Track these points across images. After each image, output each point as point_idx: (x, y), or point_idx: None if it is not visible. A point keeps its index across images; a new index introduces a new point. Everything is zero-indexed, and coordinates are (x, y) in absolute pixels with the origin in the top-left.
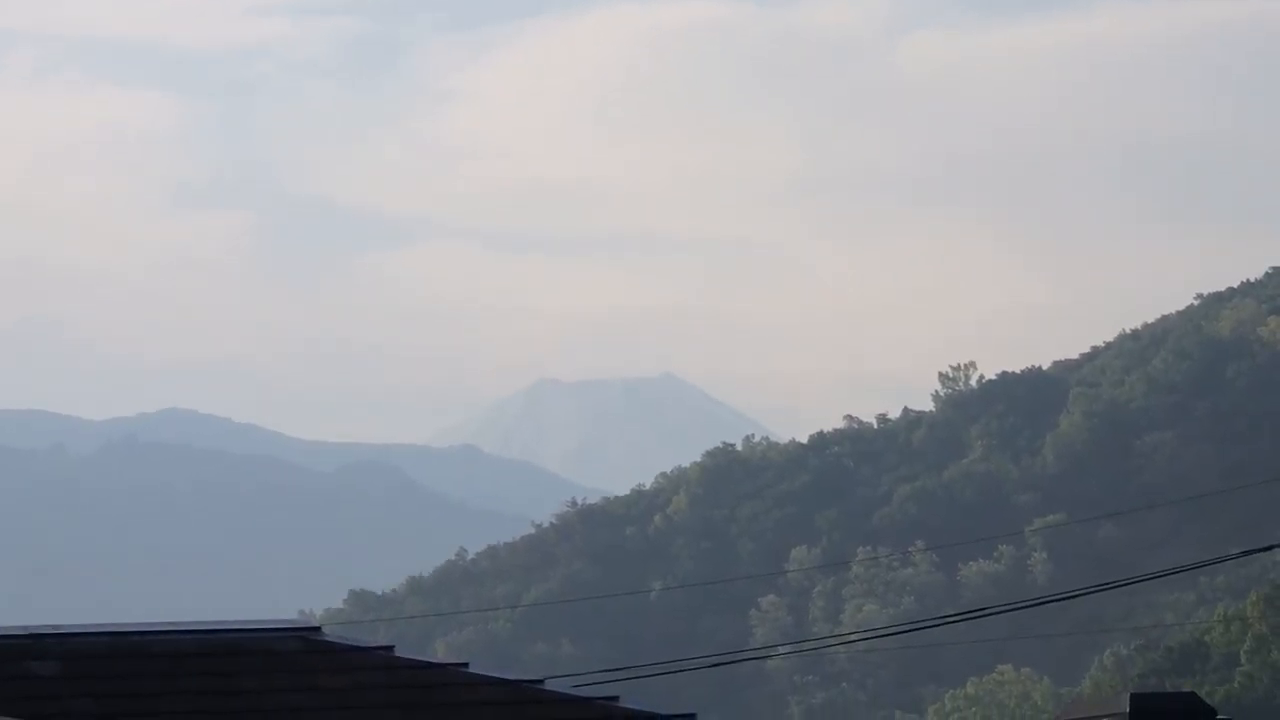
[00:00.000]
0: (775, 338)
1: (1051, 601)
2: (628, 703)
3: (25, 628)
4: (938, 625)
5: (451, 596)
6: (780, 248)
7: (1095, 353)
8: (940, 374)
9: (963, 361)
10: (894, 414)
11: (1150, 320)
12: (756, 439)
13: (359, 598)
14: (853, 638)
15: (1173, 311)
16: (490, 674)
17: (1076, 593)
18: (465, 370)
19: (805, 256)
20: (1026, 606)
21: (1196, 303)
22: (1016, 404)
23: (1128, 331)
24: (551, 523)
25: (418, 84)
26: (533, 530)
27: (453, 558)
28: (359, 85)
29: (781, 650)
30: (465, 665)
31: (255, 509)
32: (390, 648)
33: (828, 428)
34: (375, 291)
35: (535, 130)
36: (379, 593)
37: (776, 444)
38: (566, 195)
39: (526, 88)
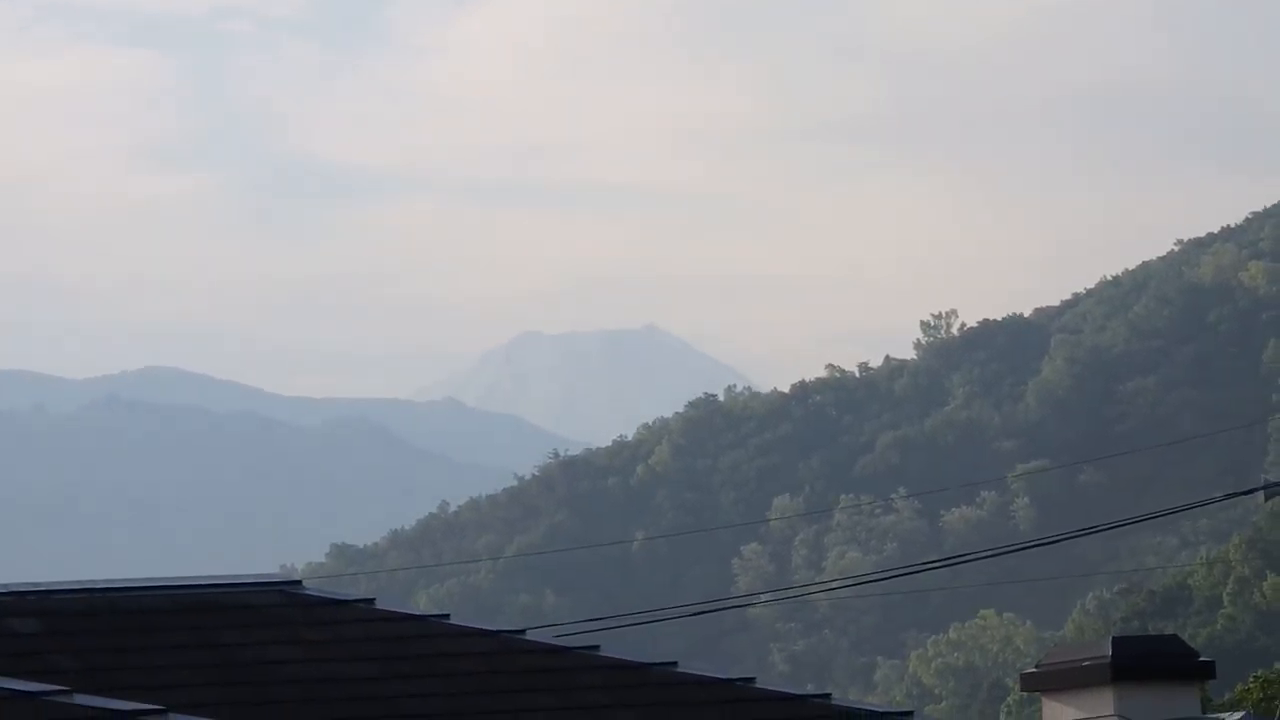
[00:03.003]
0: (758, 289)
1: (1034, 546)
2: (608, 651)
3: (4, 586)
4: (920, 571)
5: (433, 549)
6: (760, 199)
7: (1076, 299)
8: (922, 322)
9: (944, 310)
10: (876, 363)
11: (1131, 267)
12: (739, 389)
13: (341, 551)
14: (835, 585)
15: (1154, 258)
16: (472, 625)
17: (1059, 537)
18: (447, 324)
19: (785, 207)
20: (1009, 552)
21: (1177, 249)
22: (998, 351)
23: (1109, 278)
24: (534, 474)
25: (394, 39)
26: (515, 482)
27: (435, 510)
28: (335, 41)
29: (764, 598)
30: (446, 617)
31: (237, 465)
32: (371, 600)
33: (810, 377)
34: (355, 247)
35: (513, 83)
36: (361, 546)
37: (759, 394)
38: (546, 148)
39: (504, 41)
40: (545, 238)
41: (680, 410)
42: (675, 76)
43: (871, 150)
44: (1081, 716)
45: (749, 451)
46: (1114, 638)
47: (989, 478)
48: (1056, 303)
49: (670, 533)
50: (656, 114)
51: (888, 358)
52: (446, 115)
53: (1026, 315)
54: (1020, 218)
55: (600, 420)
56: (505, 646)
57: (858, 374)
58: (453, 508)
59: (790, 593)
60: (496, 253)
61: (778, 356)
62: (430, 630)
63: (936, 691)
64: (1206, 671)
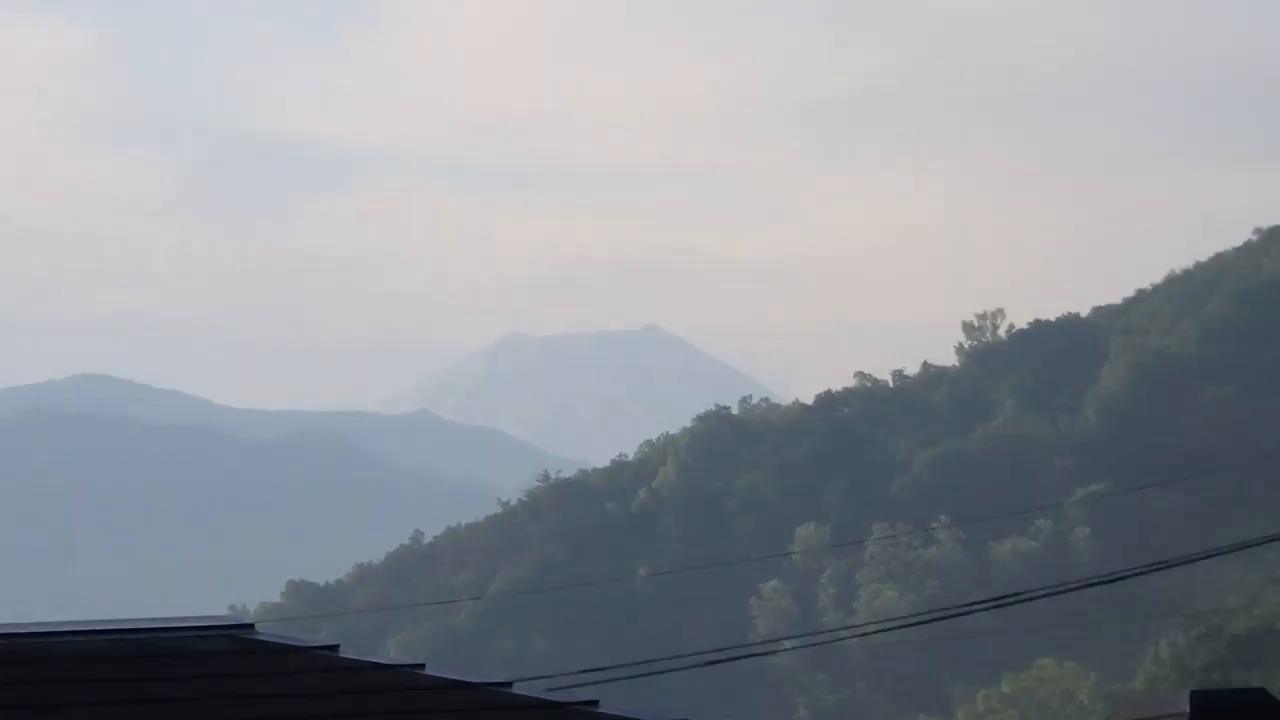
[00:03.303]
0: (774, 284)
1: (1097, 584)
2: (609, 707)
3: None
4: (967, 613)
5: (406, 586)
6: (777, 181)
7: (1141, 297)
8: (964, 323)
9: (989, 309)
10: (912, 370)
11: (1203, 259)
12: (755, 400)
13: (299, 589)
14: (869, 629)
15: (1229, 249)
16: (450, 676)
17: (1126, 574)
18: (420, 325)
19: (806, 191)
20: (1069, 590)
21: (1255, 238)
22: (1052, 357)
23: (1177, 272)
24: (521, 499)
25: (360, 5)
26: (499, 508)
27: (407, 541)
28: (296, 9)
29: (787, 644)
30: (421, 666)
31: (180, 487)
32: (335, 647)
33: (836, 386)
34: (316, 237)
35: (492, 53)
36: (322, 583)
37: (778, 406)
38: (532, 126)
39: (482, 6)
40: (533, 227)
41: (688, 424)
42: (673, 46)
43: (900, 129)
44: None
45: (767, 472)
46: (1192, 691)
47: (1044, 503)
48: (1118, 300)
49: (678, 567)
50: (658, 91)
51: (926, 364)
52: (417, 90)
53: (1084, 315)
54: (1075, 203)
55: (596, 436)
56: (489, 701)
57: (891, 383)
58: (428, 538)
59: (818, 638)
60: (478, 243)
61: (798, 362)
62: (403, 682)
63: None
64: None
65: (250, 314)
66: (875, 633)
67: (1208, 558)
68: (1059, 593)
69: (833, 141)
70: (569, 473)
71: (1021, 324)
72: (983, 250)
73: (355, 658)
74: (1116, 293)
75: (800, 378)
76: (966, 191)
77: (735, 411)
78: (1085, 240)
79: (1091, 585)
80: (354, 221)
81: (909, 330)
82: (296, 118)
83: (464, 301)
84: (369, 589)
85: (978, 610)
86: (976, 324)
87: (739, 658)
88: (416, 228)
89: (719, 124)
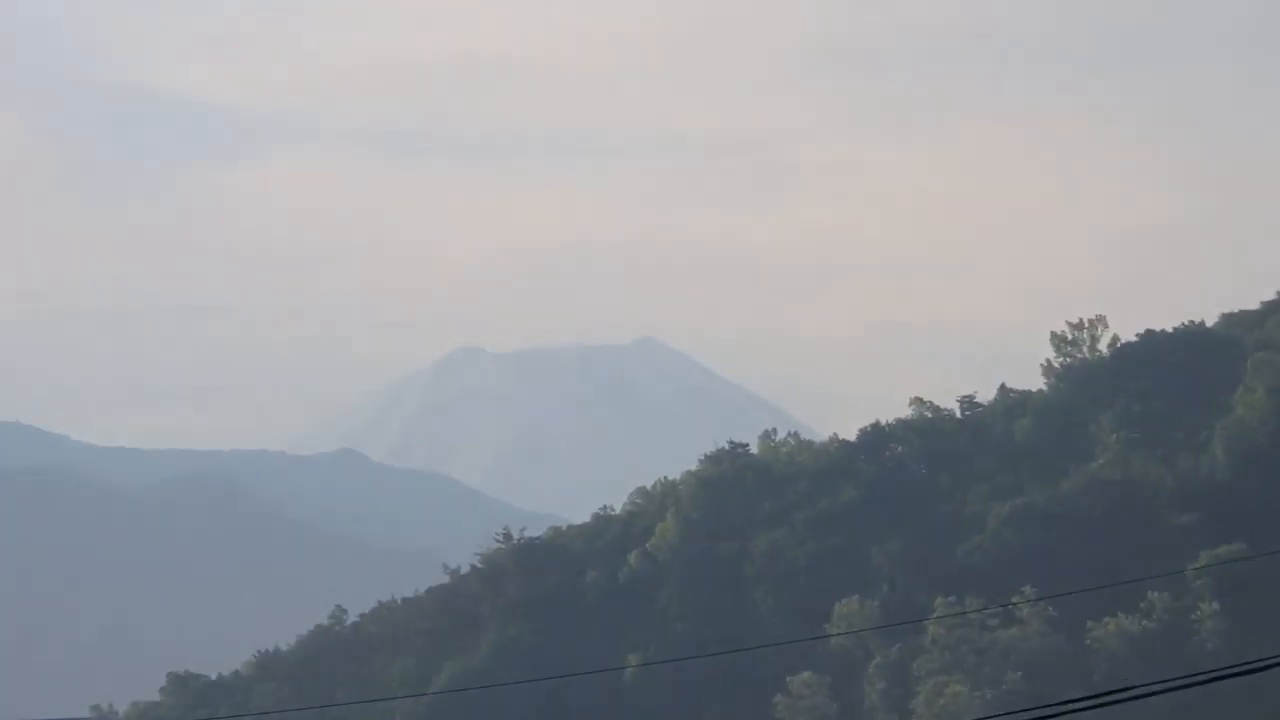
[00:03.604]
0: (804, 284)
1: (1228, 676)
2: None
3: None
4: (1061, 715)
5: (323, 680)
6: (804, 146)
7: None
8: (1053, 334)
9: (1086, 316)
10: (985, 395)
11: None
12: (780, 435)
13: (183, 684)
14: None
15: None
16: None
17: (1267, 662)
18: (342, 339)
19: (841, 158)
20: (1192, 684)
21: None
22: (1169, 378)
23: None
24: (474, 565)
25: None
26: (445, 577)
27: (324, 621)
28: None
29: None
30: None
31: (22, 546)
32: None
33: (886, 417)
34: (208, 223)
35: None
36: (214, 675)
37: (810, 442)
38: (485, 80)
39: None
40: (488, 209)
41: (693, 466)
42: None
43: (965, 81)
44: None
45: (797, 530)
46: None
47: (1158, 570)
48: (1254, 305)
49: (680, 655)
50: (643, 32)
51: (1003, 388)
52: (337, 39)
53: (1210, 325)
54: (1198, 184)
55: (572, 481)
56: None
57: (959, 412)
58: (352, 615)
59: None
60: (415, 232)
61: (837, 385)
62: None
63: None
64: None
65: (120, 326)
66: None
67: None
68: (1180, 687)
69: (871, 94)
70: (537, 529)
71: (1128, 335)
72: (1076, 239)
73: None
74: (1253, 296)
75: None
76: (1045, 163)
77: (754, 449)
78: (1210, 230)
79: (1221, 678)
80: (253, 201)
81: (982, 344)
82: (175, 74)
83: (400, 307)
84: (275, 684)
85: (1074, 710)
86: (1070, 335)
87: None
88: (336, 209)
89: (721, 73)
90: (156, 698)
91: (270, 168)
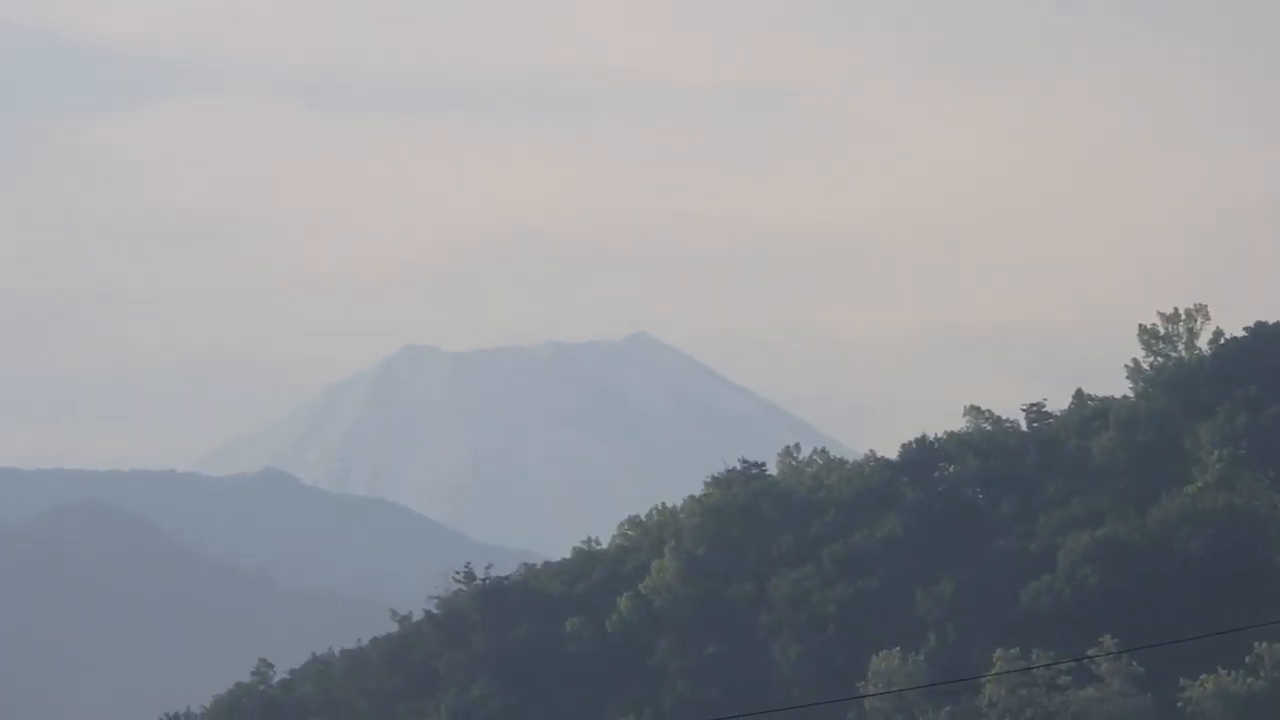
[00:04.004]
0: (826, 268)
1: None
2: None
3: None
4: None
5: None
6: (832, 102)
7: None
8: (1142, 328)
9: (1182, 306)
10: (1057, 403)
11: None
12: (804, 452)
13: None
14: None
15: None
16: None
17: None
18: (266, 337)
19: (878, 120)
20: None
21: None
22: None
23: None
24: (429, 611)
25: None
26: (395, 625)
27: (247, 678)
28: None
29: None
30: None
31: None
32: None
33: (934, 428)
34: (92, 190)
35: None
36: None
37: (840, 461)
38: (436, 15)
39: None
40: (440, 172)
41: (696, 491)
42: None
43: (1025, 23)
44: None
45: (825, 569)
46: None
47: (1267, 619)
48: None
49: (684, 718)
50: None
51: (1080, 393)
52: None
53: None
54: None
55: (546, 509)
56: None
57: (1024, 424)
58: (280, 671)
59: None
60: (352, 199)
61: (873, 391)
62: None
63: None
64: None
65: None
66: None
67: None
68: None
69: (913, 43)
70: (505, 568)
71: (1233, 329)
72: (1168, 216)
73: None
74: None
75: (876, 415)
76: (1131, 127)
77: (772, 470)
78: None
79: None
80: (148, 164)
81: (1050, 339)
82: (57, 6)
83: (338, 297)
84: None
85: None
86: (1163, 330)
87: None
88: (253, 176)
89: (729, 14)
90: None
91: (169, 122)
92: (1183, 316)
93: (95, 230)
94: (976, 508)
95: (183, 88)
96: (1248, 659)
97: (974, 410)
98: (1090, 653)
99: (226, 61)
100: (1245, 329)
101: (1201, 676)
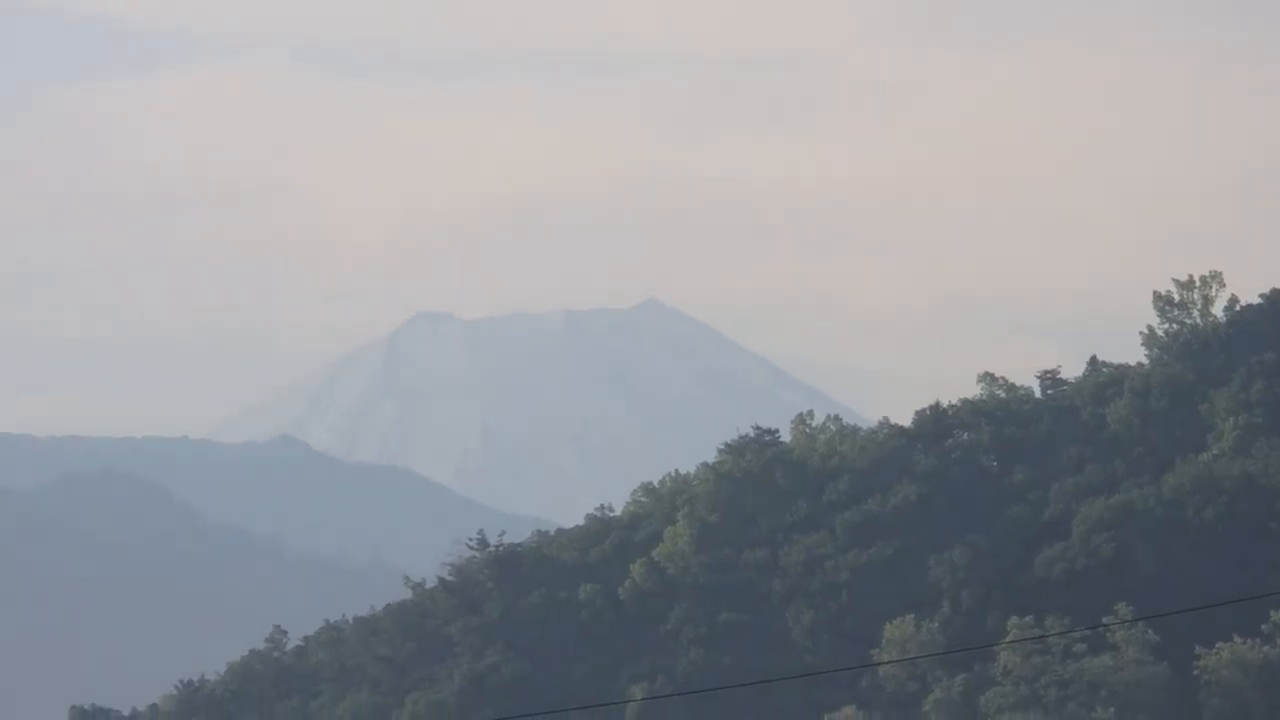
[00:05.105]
0: (840, 233)
1: None
2: None
3: None
4: None
5: (259, 715)
6: (845, 64)
7: None
8: (1156, 295)
9: (1198, 272)
10: (1072, 370)
11: None
12: (817, 418)
13: None
14: None
15: None
16: None
17: None
18: (277, 304)
19: (892, 79)
20: None
21: None
22: None
23: None
24: (442, 577)
25: None
26: (407, 591)
27: (260, 645)
28: None
29: None
30: None
31: None
32: None
33: (947, 395)
34: (107, 154)
35: None
36: (126, 711)
37: (854, 428)
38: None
39: None
40: (460, 144)
41: (709, 459)
42: None
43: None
44: None
45: (839, 536)
46: None
47: None
48: None
49: (694, 687)
50: None
51: (1094, 360)
52: None
53: None
54: None
55: (558, 474)
56: None
57: (1038, 390)
58: (293, 638)
59: None
60: (371, 169)
61: (887, 358)
62: None
63: None
64: None
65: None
66: None
67: None
68: None
69: (931, 6)
70: (518, 534)
71: (1249, 296)
72: (1184, 177)
73: None
74: None
75: (889, 383)
76: (1144, 84)
77: (785, 437)
78: None
79: None
80: (160, 130)
81: (1066, 307)
82: None
83: (351, 265)
84: (198, 719)
85: None
86: (1177, 296)
87: None
88: (265, 143)
89: None
90: None
91: (182, 89)
92: (1198, 283)
93: (108, 198)
94: (990, 475)
95: (196, 55)
96: (1264, 627)
97: (988, 377)
98: (1105, 621)
99: (241, 29)
100: (1261, 296)
101: (1217, 645)
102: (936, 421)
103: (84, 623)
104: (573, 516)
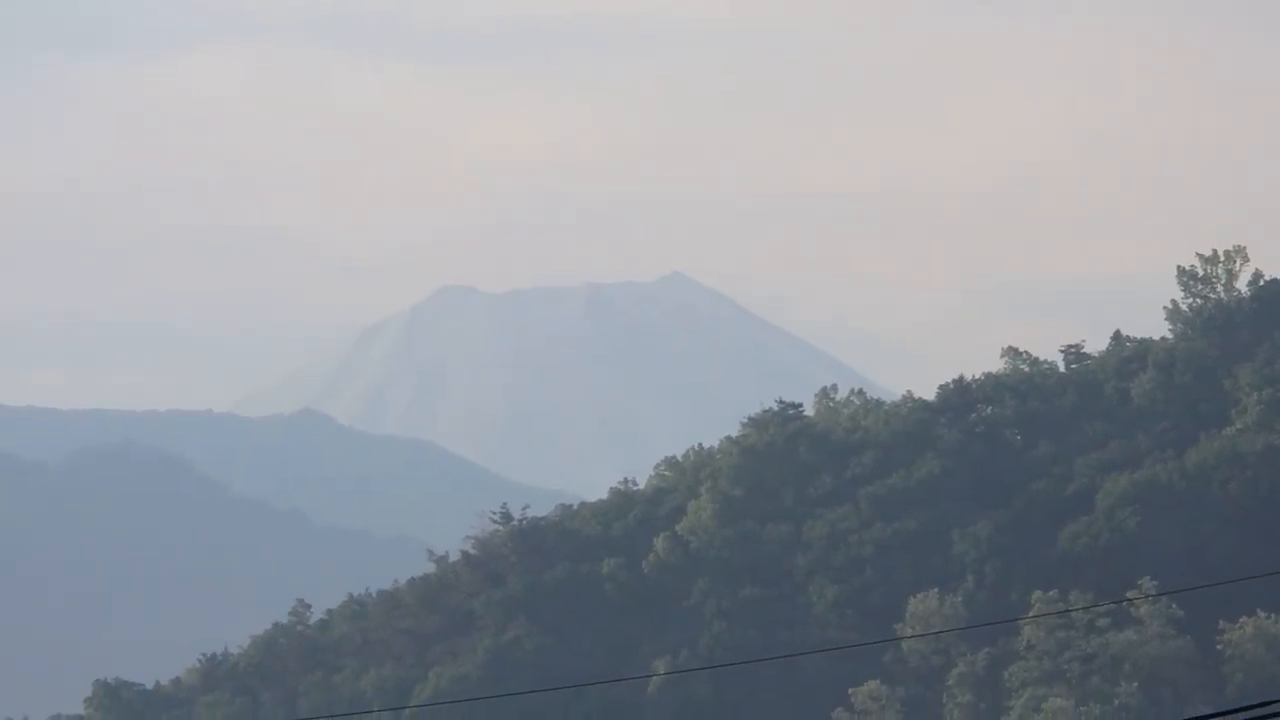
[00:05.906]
0: (858, 205)
1: None
2: None
3: None
4: None
5: (283, 690)
6: (874, 35)
7: None
8: (1180, 269)
9: (1222, 247)
10: (1095, 344)
11: None
12: (842, 392)
13: (112, 694)
14: None
15: None
16: None
17: None
18: (303, 276)
19: (923, 51)
20: None
21: None
22: None
23: None
24: (465, 551)
25: None
26: (431, 565)
27: (283, 619)
28: None
29: None
30: None
31: None
32: None
33: (972, 371)
34: (132, 128)
35: None
36: (149, 685)
37: (879, 402)
38: None
39: None
40: (484, 118)
41: (733, 432)
42: None
43: None
44: None
45: (862, 510)
46: None
47: None
48: None
49: (716, 662)
50: None
51: (1118, 334)
52: None
53: None
54: None
55: (582, 448)
56: None
57: (1062, 364)
58: (317, 612)
59: None
60: (394, 142)
61: (910, 332)
62: None
63: None
64: None
65: (27, 261)
66: None
67: None
68: None
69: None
70: (541, 508)
71: (1274, 271)
72: (1209, 149)
73: None
74: None
75: (913, 356)
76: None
77: (809, 411)
78: None
79: None
80: (183, 103)
81: (1088, 280)
82: None
83: (373, 238)
84: (223, 694)
85: None
86: (1201, 271)
87: None
88: (288, 117)
89: None
90: (80, 710)
91: (205, 62)
92: (1221, 258)
93: (129, 170)
94: (1014, 449)
95: (214, 32)
96: None
97: (1012, 351)
98: (1129, 595)
99: (249, 4)
100: None
101: (1241, 619)
102: (960, 395)
103: (107, 596)
104: (596, 490)
